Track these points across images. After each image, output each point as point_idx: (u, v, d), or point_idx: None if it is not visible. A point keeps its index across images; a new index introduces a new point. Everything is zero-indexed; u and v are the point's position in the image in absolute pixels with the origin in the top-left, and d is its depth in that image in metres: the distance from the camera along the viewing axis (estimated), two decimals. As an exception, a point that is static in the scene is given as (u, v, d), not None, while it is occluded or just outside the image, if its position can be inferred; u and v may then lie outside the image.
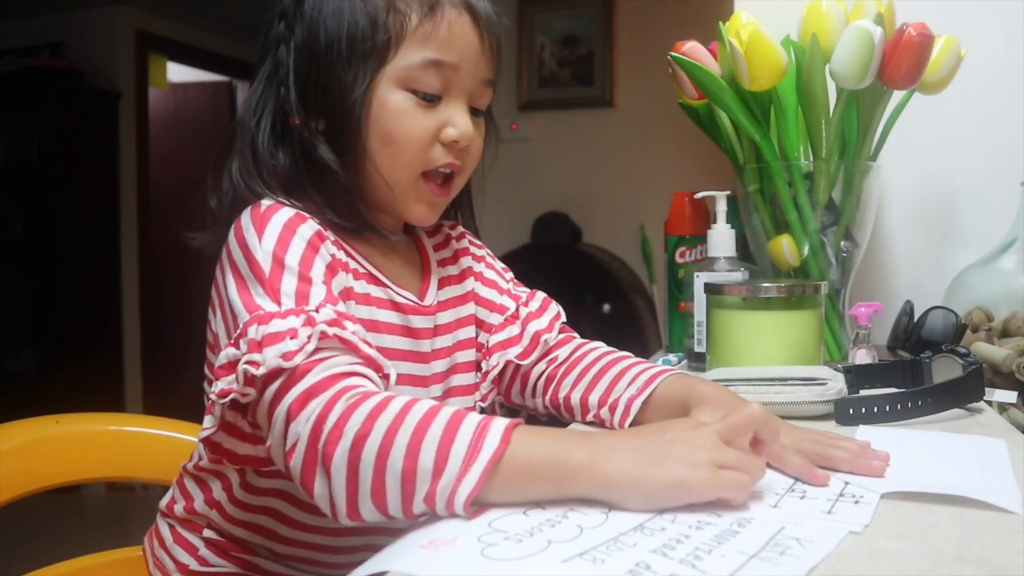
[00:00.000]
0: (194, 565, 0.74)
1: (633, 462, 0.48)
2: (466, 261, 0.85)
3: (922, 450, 0.64)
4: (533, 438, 0.50)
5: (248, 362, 0.56)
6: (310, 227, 0.66)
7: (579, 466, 0.49)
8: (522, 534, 0.44)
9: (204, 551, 0.74)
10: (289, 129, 0.71)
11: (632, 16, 3.24)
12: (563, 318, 0.84)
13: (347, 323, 0.59)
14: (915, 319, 1.11)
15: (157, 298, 3.82)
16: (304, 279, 0.62)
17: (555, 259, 3.05)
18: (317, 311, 0.59)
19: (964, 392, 0.75)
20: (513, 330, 0.81)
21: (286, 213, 0.66)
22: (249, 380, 0.57)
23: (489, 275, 0.85)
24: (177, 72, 4.21)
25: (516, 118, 3.33)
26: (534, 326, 0.80)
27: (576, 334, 0.84)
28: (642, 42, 3.19)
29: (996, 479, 0.55)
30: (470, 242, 0.87)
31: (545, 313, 0.82)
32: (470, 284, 0.83)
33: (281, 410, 0.55)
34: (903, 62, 0.97)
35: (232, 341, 0.59)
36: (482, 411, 0.80)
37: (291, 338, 0.56)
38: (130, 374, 3.76)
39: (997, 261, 1.14)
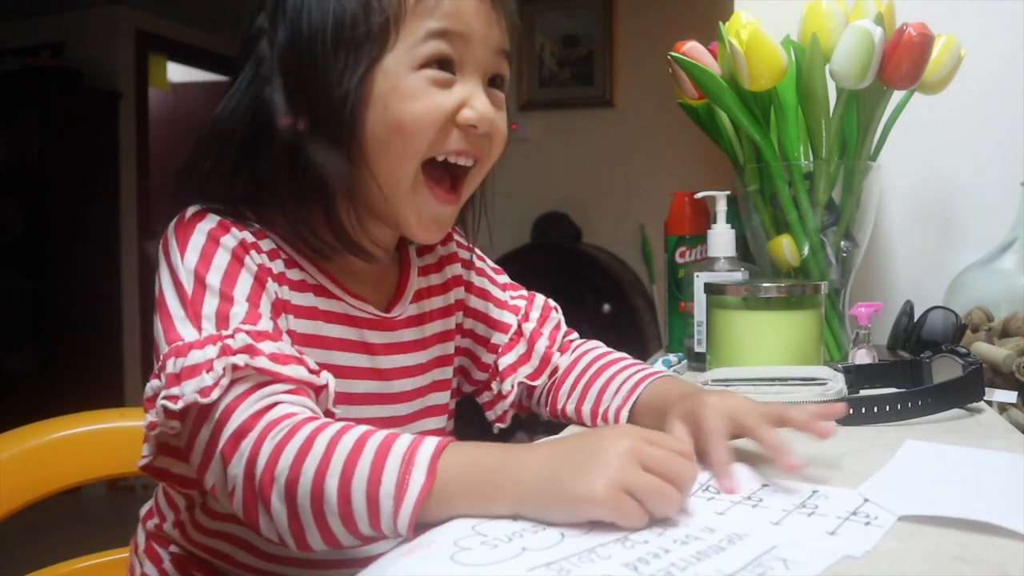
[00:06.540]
0: None
1: (544, 476, 0.47)
2: (452, 269, 0.79)
3: (947, 468, 0.60)
4: (459, 458, 0.49)
5: (166, 396, 0.54)
6: (234, 237, 0.62)
7: (499, 484, 0.48)
8: (500, 539, 0.44)
9: (167, 564, 0.73)
10: (270, 136, 0.63)
11: (632, 16, 3.24)
12: (563, 326, 0.82)
13: (266, 344, 0.56)
14: (915, 319, 1.11)
15: (157, 298, 3.81)
16: (225, 298, 0.59)
17: (555, 259, 3.05)
18: (234, 336, 0.55)
19: (964, 392, 0.75)
20: (520, 349, 0.79)
21: (209, 222, 0.62)
22: (170, 414, 0.55)
23: (480, 283, 0.81)
24: (177, 72, 4.21)
25: (516, 118, 3.32)
26: (541, 345, 0.79)
27: (575, 334, 0.83)
28: (642, 42, 3.19)
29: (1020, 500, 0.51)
30: (457, 244, 0.80)
31: (546, 324, 0.81)
32: (456, 295, 0.79)
33: (218, 454, 0.54)
34: (903, 62, 0.97)
35: (155, 372, 0.57)
36: (491, 423, 0.80)
37: (207, 371, 0.54)
38: (130, 374, 3.75)
39: (997, 261, 1.14)
